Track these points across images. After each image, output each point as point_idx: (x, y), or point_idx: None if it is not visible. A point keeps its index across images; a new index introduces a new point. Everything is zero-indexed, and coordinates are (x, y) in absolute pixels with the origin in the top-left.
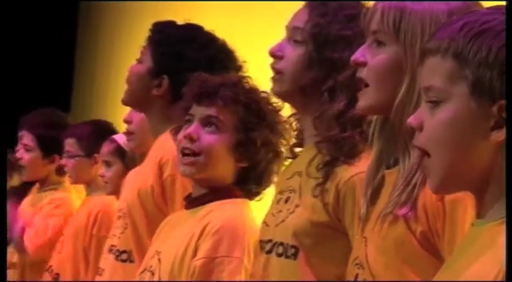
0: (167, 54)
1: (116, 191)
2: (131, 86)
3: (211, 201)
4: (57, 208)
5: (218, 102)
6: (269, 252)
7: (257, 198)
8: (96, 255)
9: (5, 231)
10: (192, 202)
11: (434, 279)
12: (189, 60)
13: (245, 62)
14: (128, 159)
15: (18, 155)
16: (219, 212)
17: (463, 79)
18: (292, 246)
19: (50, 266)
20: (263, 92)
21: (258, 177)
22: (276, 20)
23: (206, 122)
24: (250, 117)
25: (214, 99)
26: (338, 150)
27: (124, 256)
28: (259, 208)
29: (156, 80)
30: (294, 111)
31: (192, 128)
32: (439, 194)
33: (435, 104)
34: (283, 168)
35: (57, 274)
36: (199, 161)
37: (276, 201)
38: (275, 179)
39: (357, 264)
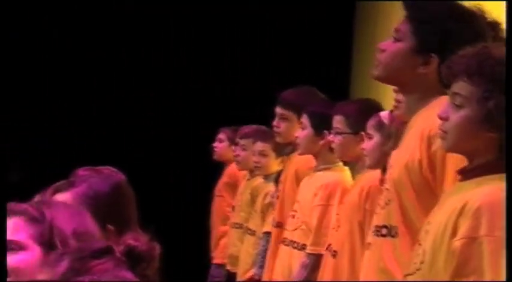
0: (433, 32)
1: (375, 165)
2: (390, 63)
3: (478, 176)
4: (326, 195)
5: (474, 78)
6: None
7: None
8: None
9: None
10: (463, 175)
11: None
12: (456, 37)
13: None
14: (386, 134)
15: (296, 134)
16: (480, 188)
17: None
18: None
19: (330, 245)
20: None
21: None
22: None
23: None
24: (495, 87)
25: (476, 76)
26: None
27: (384, 231)
28: None
29: (422, 58)
30: None
31: (443, 109)
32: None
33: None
34: None
35: (335, 252)
36: (448, 138)
37: None
38: None
39: None
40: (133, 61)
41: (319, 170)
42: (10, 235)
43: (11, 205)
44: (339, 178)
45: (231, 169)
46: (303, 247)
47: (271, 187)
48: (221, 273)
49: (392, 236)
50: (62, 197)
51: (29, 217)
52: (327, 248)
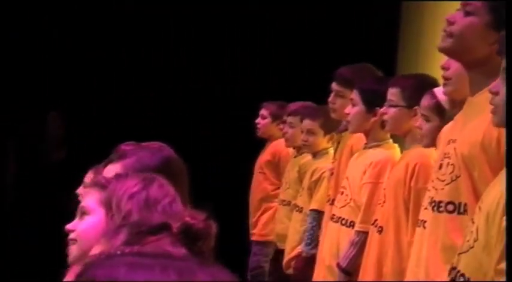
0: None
1: (432, 144)
2: (464, 37)
3: None
4: (376, 173)
5: None
6: None
7: None
8: (414, 207)
9: None
10: None
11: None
12: None
13: None
14: (446, 117)
15: (347, 111)
16: None
17: None
18: None
19: (376, 220)
20: None
21: None
22: None
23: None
24: None
25: None
26: None
27: (450, 207)
28: None
29: (495, 35)
30: None
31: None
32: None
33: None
34: None
35: (381, 227)
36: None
37: None
38: None
39: None
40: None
41: (369, 148)
42: (84, 201)
43: (99, 177)
44: (388, 155)
45: (274, 147)
46: (351, 224)
47: (318, 164)
48: (262, 250)
49: (460, 213)
50: (112, 168)
51: (99, 184)
52: (372, 224)
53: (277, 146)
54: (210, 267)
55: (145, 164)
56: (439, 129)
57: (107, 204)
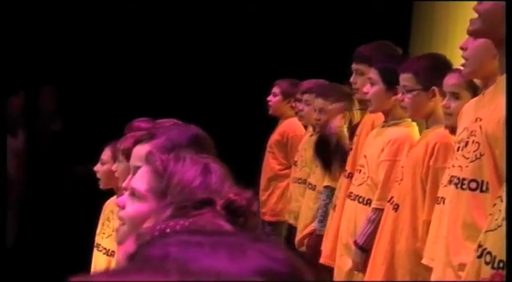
0: None
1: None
2: (486, 17)
3: None
4: (394, 151)
5: None
6: None
7: None
8: (432, 186)
9: None
10: None
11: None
12: None
13: None
14: (477, 93)
15: (365, 89)
16: None
17: None
18: None
19: (392, 197)
20: None
21: None
22: None
23: None
24: None
25: None
26: None
27: (473, 185)
28: None
29: None
30: None
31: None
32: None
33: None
34: None
35: (397, 205)
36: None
37: None
38: None
39: None
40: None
41: (388, 126)
42: (135, 182)
43: (153, 153)
44: (407, 134)
45: (284, 126)
46: (368, 202)
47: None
48: (274, 230)
49: (483, 191)
50: (142, 148)
51: (154, 169)
52: (389, 201)
53: (287, 126)
54: (262, 242)
55: (177, 143)
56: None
57: (163, 191)
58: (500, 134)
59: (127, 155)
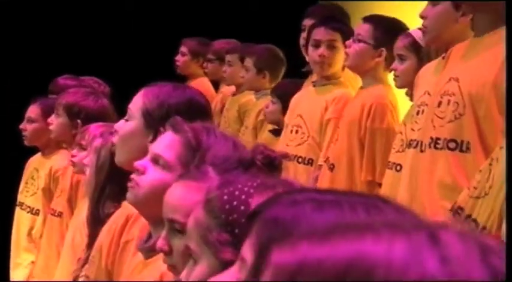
0: None
1: (406, 85)
2: None
3: None
4: (339, 109)
5: None
6: None
7: None
8: (370, 146)
9: None
10: None
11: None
12: None
13: None
14: (422, 55)
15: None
16: None
17: None
18: None
19: (328, 158)
20: None
21: None
22: None
23: None
24: None
25: None
26: None
27: (451, 145)
28: None
29: None
30: None
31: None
32: None
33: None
34: None
35: (333, 165)
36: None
37: None
38: None
39: None
40: None
41: (322, 85)
42: (162, 149)
43: (178, 120)
44: (349, 92)
45: (194, 86)
46: (309, 162)
47: (262, 104)
48: None
49: (463, 151)
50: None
51: (186, 141)
52: (324, 161)
53: (196, 86)
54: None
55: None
56: (415, 68)
57: (194, 162)
58: (486, 95)
59: (69, 110)
